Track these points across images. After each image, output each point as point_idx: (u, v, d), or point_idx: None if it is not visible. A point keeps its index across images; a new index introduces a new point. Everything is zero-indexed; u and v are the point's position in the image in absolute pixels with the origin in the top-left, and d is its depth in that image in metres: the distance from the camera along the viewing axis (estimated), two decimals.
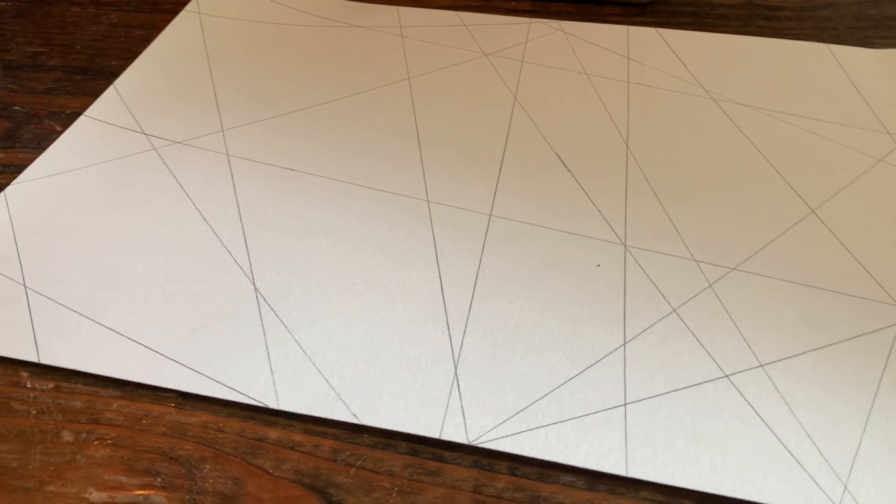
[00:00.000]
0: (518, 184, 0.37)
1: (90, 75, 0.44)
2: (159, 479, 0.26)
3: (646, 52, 0.46)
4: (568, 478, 0.26)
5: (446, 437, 0.27)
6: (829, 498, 0.25)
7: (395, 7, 0.51)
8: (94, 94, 0.42)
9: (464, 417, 0.28)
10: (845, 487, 0.26)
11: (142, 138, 0.40)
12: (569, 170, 0.38)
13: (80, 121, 0.41)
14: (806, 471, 0.26)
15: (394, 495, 0.26)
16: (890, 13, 0.50)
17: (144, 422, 0.28)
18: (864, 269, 0.33)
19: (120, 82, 0.43)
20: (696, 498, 0.26)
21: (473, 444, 0.27)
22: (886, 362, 0.30)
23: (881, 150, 0.39)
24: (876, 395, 0.29)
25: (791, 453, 0.27)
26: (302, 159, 0.38)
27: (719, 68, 0.45)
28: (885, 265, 0.33)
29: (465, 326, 0.31)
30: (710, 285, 0.33)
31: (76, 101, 0.42)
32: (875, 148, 0.40)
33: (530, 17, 0.50)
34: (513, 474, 0.26)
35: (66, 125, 0.40)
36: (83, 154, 0.39)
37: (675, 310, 0.32)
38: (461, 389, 0.28)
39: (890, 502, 0.25)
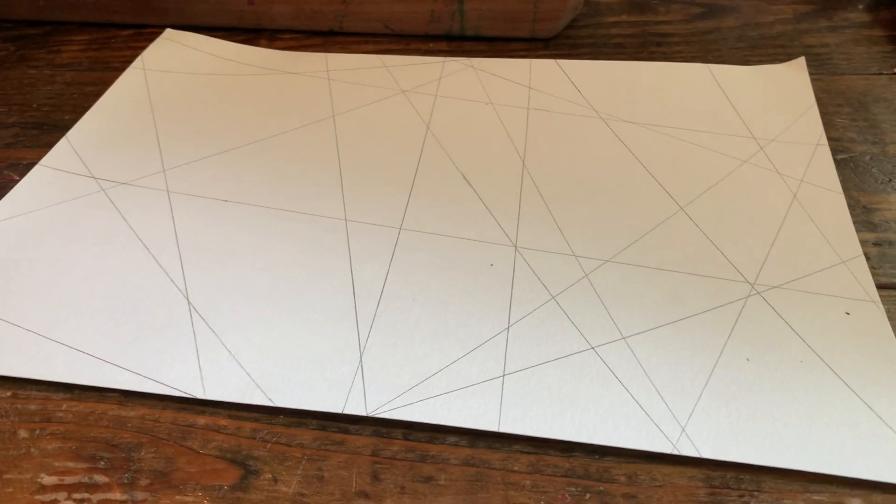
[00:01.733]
0: (426, 200, 0.43)
1: (45, 129, 0.49)
2: (102, 463, 0.31)
3: (545, 82, 0.52)
4: (453, 439, 0.31)
5: (348, 411, 0.32)
6: (669, 439, 0.30)
7: (323, 54, 0.56)
8: (49, 146, 0.47)
9: (364, 395, 0.32)
10: (683, 430, 0.31)
11: (91, 182, 0.45)
12: (471, 186, 0.44)
13: (36, 169, 0.46)
14: (652, 419, 0.31)
15: (303, 462, 0.30)
16: (767, 34, 0.57)
17: (90, 418, 0.32)
18: (722, 254, 0.39)
19: (71, 134, 0.48)
20: (560, 447, 0.30)
21: (371, 414, 0.31)
22: (732, 330, 0.35)
23: (747, 154, 0.45)
24: (719, 357, 0.34)
25: (641, 407, 0.31)
26: (234, 191, 0.43)
27: (609, 92, 0.51)
28: (741, 250, 0.38)
29: (372, 323, 0.36)
30: (586, 275, 0.38)
31: (32, 152, 0.47)
32: (741, 152, 0.45)
33: (446, 56, 0.56)
34: (406, 439, 0.31)
35: (23, 174, 0.45)
36: (38, 198, 0.44)
37: (553, 297, 0.37)
38: (364, 374, 0.33)
39: (718, 439, 0.30)
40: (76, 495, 0.29)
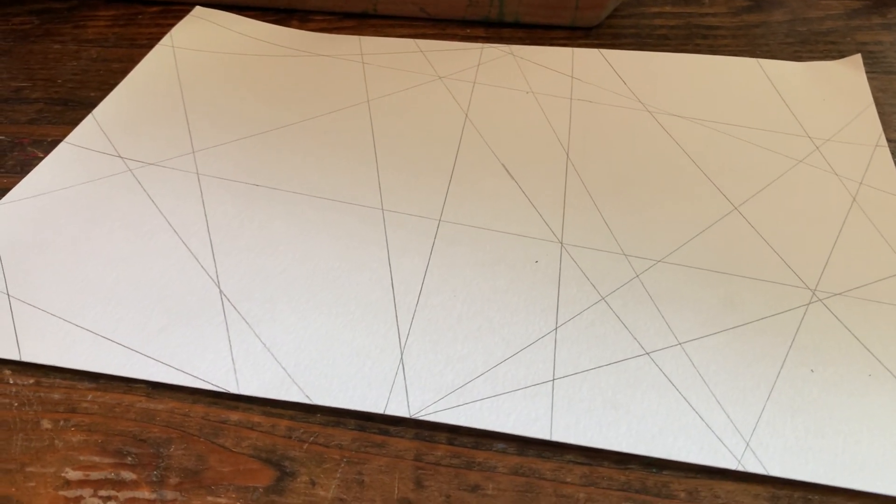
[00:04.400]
0: (466, 191, 0.41)
1: (70, 106, 0.48)
2: (129, 459, 0.29)
3: (588, 71, 0.50)
4: (500, 445, 0.29)
5: (390, 412, 0.30)
6: (733, 454, 0.28)
7: (357, 37, 0.54)
8: (74, 123, 0.45)
9: (407, 395, 0.31)
10: (747, 444, 0.29)
11: (118, 161, 0.43)
12: (513, 178, 0.42)
13: (61, 147, 0.44)
14: (713, 432, 0.29)
15: (342, 465, 0.29)
16: (817, 29, 0.54)
17: (117, 409, 0.31)
18: (780, 257, 0.37)
19: (98, 111, 0.47)
20: (614, 459, 0.29)
21: (414, 416, 0.30)
22: (794, 338, 0.33)
23: (802, 153, 0.43)
24: (781, 368, 0.32)
25: (701, 417, 0.30)
26: (267, 176, 0.42)
27: (656, 84, 0.48)
28: (800, 254, 0.36)
29: (412, 318, 0.34)
30: (638, 276, 0.36)
31: (57, 129, 0.45)
32: (796, 151, 0.43)
33: (483, 42, 0.54)
34: (451, 444, 0.29)
35: (47, 152, 0.43)
36: (63, 177, 0.42)
37: (603, 298, 0.35)
38: (406, 372, 0.31)
39: (785, 455, 0.28)
40: (102, 492, 0.28)
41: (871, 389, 0.31)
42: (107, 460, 0.29)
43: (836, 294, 0.35)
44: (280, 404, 0.31)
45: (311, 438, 0.29)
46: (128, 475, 0.28)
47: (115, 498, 0.28)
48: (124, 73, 0.50)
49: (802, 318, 0.34)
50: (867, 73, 0.49)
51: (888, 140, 0.44)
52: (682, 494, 0.28)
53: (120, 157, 0.44)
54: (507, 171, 0.42)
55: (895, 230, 0.38)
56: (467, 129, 0.45)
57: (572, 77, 0.50)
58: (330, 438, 0.29)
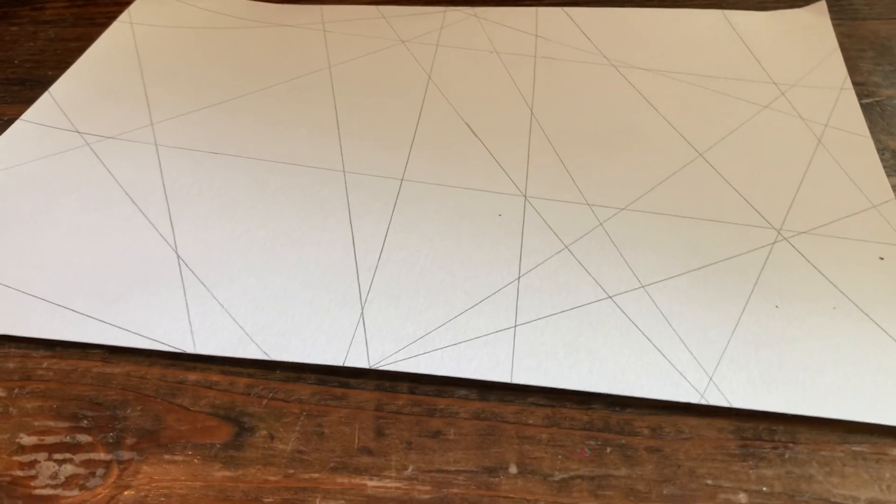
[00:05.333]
0: (429, 151, 0.40)
1: (28, 85, 0.47)
2: (85, 422, 0.28)
3: (553, 30, 0.49)
4: (462, 391, 0.29)
5: (350, 363, 0.29)
6: (696, 388, 0.28)
7: (318, 6, 0.53)
8: (31, 102, 0.45)
9: (367, 348, 0.30)
10: (710, 379, 0.28)
11: (75, 136, 0.42)
12: (476, 136, 0.41)
13: (17, 124, 0.43)
14: (676, 368, 0.29)
15: (302, 418, 0.28)
16: None
17: (73, 375, 0.30)
18: (745, 199, 0.36)
19: (55, 88, 0.46)
20: (577, 400, 0.28)
21: (374, 367, 0.29)
22: (759, 276, 0.33)
23: (767, 99, 0.43)
24: (746, 305, 0.31)
25: (664, 355, 0.29)
26: (226, 144, 0.41)
27: (620, 38, 0.48)
28: (765, 196, 0.36)
29: (374, 275, 0.33)
30: (601, 223, 0.35)
31: (13, 108, 0.45)
32: (762, 97, 0.43)
33: (447, 5, 0.53)
34: (412, 393, 0.29)
35: (2, 130, 0.42)
36: (19, 153, 0.41)
37: (566, 246, 0.34)
38: (366, 326, 0.31)
39: (748, 388, 0.28)
40: (57, 455, 0.27)
41: (835, 321, 0.30)
42: (62, 424, 0.28)
43: (801, 232, 0.34)
44: (238, 363, 0.30)
45: (271, 394, 0.29)
46: (83, 438, 0.28)
47: (71, 461, 0.27)
48: (82, 51, 0.50)
49: (768, 257, 0.33)
50: (833, 19, 0.49)
51: (854, 83, 0.43)
52: (646, 431, 0.27)
53: (77, 132, 0.43)
54: (471, 129, 0.42)
55: (859, 168, 0.37)
56: (430, 90, 0.45)
57: (536, 35, 0.49)
58: (290, 394, 0.29)
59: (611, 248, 0.34)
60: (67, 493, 0.26)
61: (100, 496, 0.26)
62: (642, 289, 0.32)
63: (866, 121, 0.40)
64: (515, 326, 0.31)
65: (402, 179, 0.38)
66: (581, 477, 0.26)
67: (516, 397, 0.28)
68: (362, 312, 0.31)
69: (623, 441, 0.27)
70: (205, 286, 0.33)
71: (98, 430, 0.28)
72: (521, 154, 0.40)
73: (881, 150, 0.38)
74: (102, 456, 0.27)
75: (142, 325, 0.32)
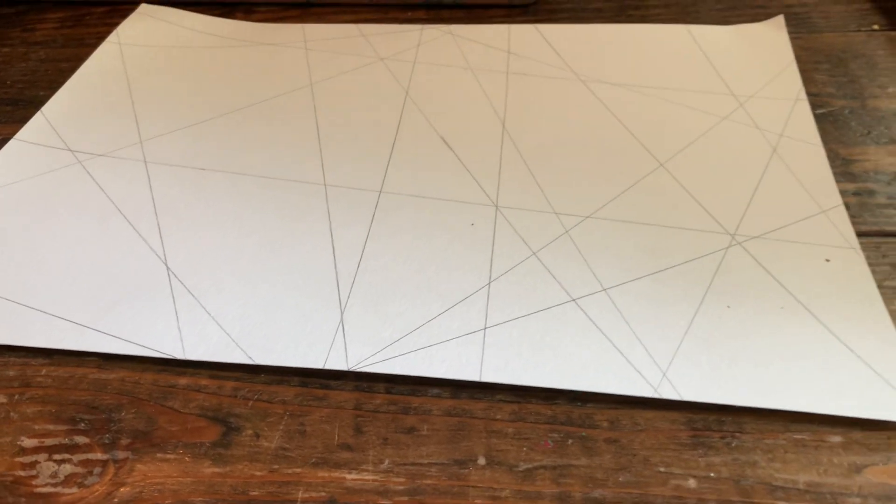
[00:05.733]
0: (406, 164, 0.42)
1: (20, 105, 0.49)
2: (83, 425, 0.30)
3: (524, 46, 0.52)
4: (435, 390, 0.31)
5: (330, 366, 0.32)
6: (650, 383, 0.30)
7: (300, 25, 0.56)
8: (24, 121, 0.47)
9: (346, 351, 0.32)
10: (664, 375, 0.31)
11: (67, 154, 0.44)
12: (451, 149, 0.43)
13: (10, 144, 0.45)
14: (633, 365, 0.31)
15: (285, 418, 0.30)
16: None
17: (70, 382, 0.32)
18: (703, 206, 0.39)
19: (47, 108, 0.48)
20: (542, 396, 0.30)
21: (353, 369, 0.31)
22: (713, 279, 0.35)
23: (726, 110, 0.45)
24: (700, 306, 0.34)
25: (622, 353, 0.31)
26: (212, 160, 0.43)
27: (588, 54, 0.50)
28: (721, 203, 0.38)
29: (353, 282, 0.36)
30: (567, 231, 0.38)
31: (7, 128, 0.47)
32: (721, 108, 0.45)
33: (424, 24, 0.55)
34: (388, 393, 0.31)
35: None
36: (14, 172, 0.43)
37: (534, 253, 0.36)
38: (346, 330, 0.33)
39: (699, 383, 0.30)
40: (56, 456, 0.29)
41: (783, 320, 0.33)
42: (61, 427, 0.30)
43: (754, 237, 0.37)
44: (226, 367, 0.32)
45: (256, 396, 0.31)
46: (81, 439, 0.30)
47: (70, 461, 0.29)
48: (73, 71, 0.52)
49: (722, 261, 0.36)
50: (791, 33, 0.52)
51: (808, 94, 0.46)
52: (605, 424, 0.29)
53: (69, 150, 0.45)
54: (446, 142, 0.44)
55: (811, 176, 0.40)
56: (408, 105, 0.47)
57: (509, 52, 0.51)
58: (273, 395, 0.31)
59: (575, 255, 0.36)
60: (66, 490, 0.28)
61: (97, 493, 0.28)
62: (604, 292, 0.34)
63: (819, 130, 0.43)
64: (485, 328, 0.33)
65: (380, 191, 0.41)
66: (544, 467, 0.28)
67: (485, 395, 0.31)
68: (342, 317, 0.34)
69: (584, 433, 0.29)
70: (193, 295, 0.35)
71: (95, 432, 0.30)
72: (493, 166, 0.42)
73: (832, 158, 0.41)
74: (99, 456, 0.29)
75: (134, 333, 0.34)
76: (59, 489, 0.28)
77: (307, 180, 0.42)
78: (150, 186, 0.42)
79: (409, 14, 0.57)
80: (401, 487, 0.28)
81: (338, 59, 0.51)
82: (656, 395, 0.30)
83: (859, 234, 0.36)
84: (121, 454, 0.29)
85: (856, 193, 0.39)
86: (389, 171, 0.42)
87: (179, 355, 0.32)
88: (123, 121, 0.47)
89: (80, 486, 0.28)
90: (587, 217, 0.38)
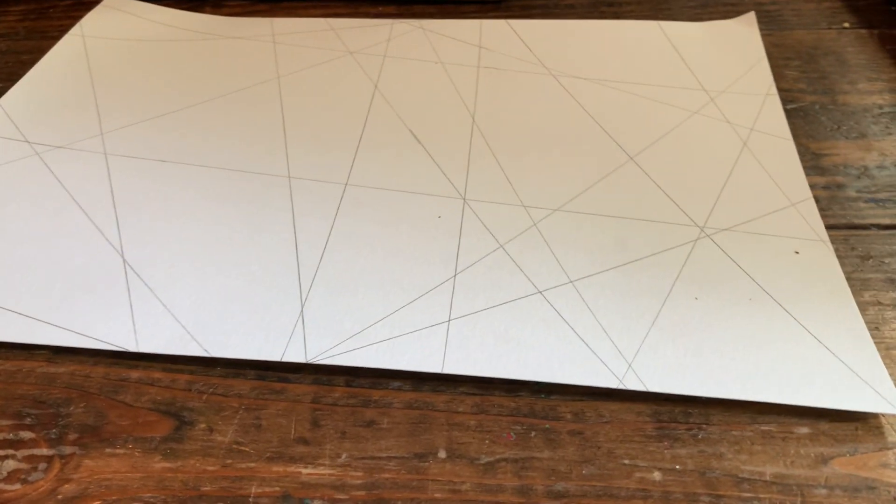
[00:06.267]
0: (373, 157, 0.41)
1: None
2: (28, 419, 0.29)
3: (496, 41, 0.51)
4: (396, 384, 0.30)
5: (287, 358, 0.31)
6: (615, 374, 0.30)
7: (269, 19, 0.55)
8: None
9: (304, 343, 0.31)
10: (630, 366, 0.30)
11: (24, 146, 0.43)
12: (420, 142, 0.43)
13: None
14: (598, 357, 0.30)
15: (241, 412, 0.29)
16: None
17: (17, 376, 0.31)
18: (672, 199, 0.38)
19: (5, 100, 0.47)
20: (505, 388, 0.30)
21: (311, 361, 0.30)
22: (680, 271, 0.34)
23: (697, 105, 0.45)
24: (667, 298, 0.33)
25: (587, 345, 0.31)
26: (174, 153, 0.42)
27: (560, 50, 0.50)
28: (691, 196, 0.38)
29: (315, 274, 0.35)
30: (535, 224, 0.37)
31: None
32: (692, 103, 0.45)
33: (395, 18, 0.55)
34: (348, 386, 0.30)
35: None
36: None
37: (501, 245, 0.36)
38: (305, 322, 0.32)
39: (665, 374, 0.30)
40: (0, 452, 0.28)
41: (751, 311, 0.32)
42: (5, 422, 0.29)
43: (723, 230, 0.36)
44: (180, 360, 0.31)
45: (211, 390, 0.30)
46: (26, 434, 0.29)
47: (13, 456, 0.28)
48: (34, 63, 0.50)
49: (690, 253, 0.35)
50: (763, 30, 0.51)
51: (779, 90, 0.46)
52: (569, 416, 0.29)
53: (27, 141, 0.44)
54: (415, 136, 0.43)
55: (781, 169, 0.39)
56: (376, 99, 0.46)
57: (480, 47, 0.51)
58: (229, 389, 0.30)
59: (543, 247, 0.35)
60: (9, 487, 0.27)
61: (41, 489, 0.27)
62: (570, 284, 0.34)
63: (790, 125, 0.43)
64: (449, 321, 0.32)
65: (346, 184, 0.40)
66: (506, 460, 0.27)
67: (447, 387, 0.30)
68: (302, 309, 0.33)
69: (547, 426, 0.28)
70: (149, 287, 0.34)
71: (41, 427, 0.29)
72: (462, 159, 0.41)
73: (802, 153, 0.41)
74: (44, 451, 0.28)
75: (86, 325, 0.32)
76: (1, 485, 0.27)
77: (271, 172, 0.41)
78: (110, 178, 0.41)
79: (380, 9, 0.56)
80: (358, 481, 0.27)
81: (306, 53, 0.50)
82: (621, 387, 0.29)
83: (828, 227, 0.36)
84: (67, 449, 0.28)
85: (825, 187, 0.39)
86: (356, 163, 0.41)
87: (132, 348, 0.31)
88: (84, 113, 0.46)
89: (24, 482, 0.27)
90: (556, 210, 0.37)
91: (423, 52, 0.50)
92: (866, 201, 0.38)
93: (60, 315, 0.33)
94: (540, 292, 0.33)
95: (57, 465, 0.28)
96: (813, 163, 0.40)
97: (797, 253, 0.35)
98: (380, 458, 0.27)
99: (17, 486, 0.27)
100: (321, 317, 0.32)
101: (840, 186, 0.39)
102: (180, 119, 0.44)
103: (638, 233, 0.36)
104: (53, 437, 0.28)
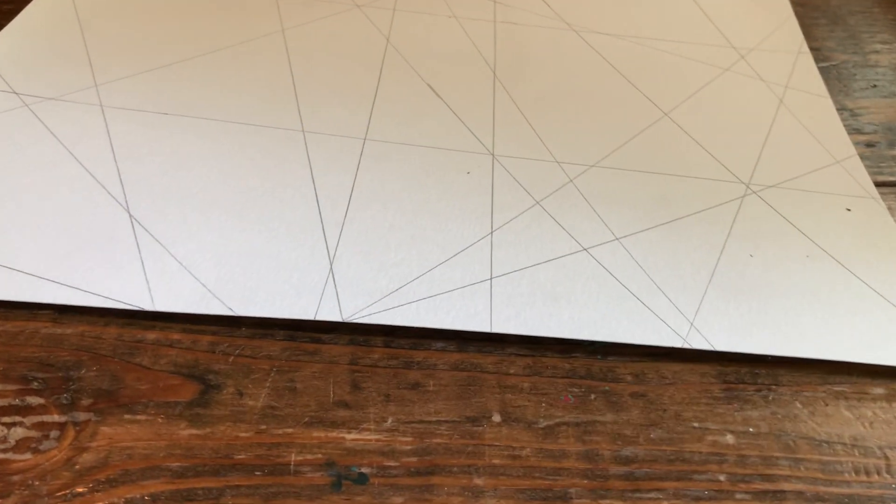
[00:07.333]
0: (391, 111, 0.39)
1: None
2: (35, 384, 0.26)
3: None
4: (440, 344, 0.28)
5: (321, 317, 0.28)
6: (678, 333, 0.27)
7: None
8: None
9: (338, 301, 0.29)
10: (692, 324, 0.28)
11: (13, 97, 0.40)
12: (440, 96, 0.40)
13: None
14: (657, 315, 0.28)
15: (272, 375, 0.27)
16: None
17: (20, 338, 0.28)
18: (713, 156, 0.36)
19: None
20: (558, 349, 0.27)
21: (348, 320, 0.28)
22: (731, 228, 0.32)
23: (727, 62, 0.43)
24: (721, 255, 0.31)
25: (643, 303, 0.29)
26: (176, 105, 0.39)
27: (580, 3, 0.48)
28: (732, 152, 0.36)
29: (341, 231, 0.32)
30: (571, 180, 0.35)
31: None
32: (722, 60, 0.43)
33: None
34: (388, 346, 0.28)
35: None
36: None
37: (538, 202, 0.33)
38: (336, 280, 0.30)
39: (730, 332, 0.28)
40: (6, 419, 0.25)
41: (810, 269, 0.30)
42: (9, 387, 0.26)
43: (769, 186, 0.34)
44: (201, 321, 0.28)
45: (237, 352, 0.27)
46: (34, 400, 0.26)
47: (21, 423, 0.25)
48: (16, 14, 0.47)
49: (738, 209, 0.33)
50: None
51: (810, 48, 0.44)
52: (629, 378, 0.27)
53: (15, 93, 0.40)
54: (434, 90, 0.40)
55: (821, 127, 0.38)
56: (389, 53, 0.44)
57: (495, 1, 0.48)
58: (257, 350, 0.27)
59: (583, 204, 0.33)
60: (18, 457, 0.24)
61: (55, 459, 0.24)
62: (616, 241, 0.31)
63: (824, 83, 0.41)
64: (491, 279, 0.30)
65: (364, 139, 0.37)
66: (566, 423, 0.25)
67: (495, 348, 0.27)
68: (331, 267, 0.30)
69: (607, 388, 0.26)
70: (161, 244, 0.31)
71: (50, 392, 0.26)
72: (487, 115, 0.39)
73: (840, 110, 0.39)
74: (56, 418, 0.25)
75: (94, 282, 0.30)
76: (9, 455, 0.24)
77: (282, 126, 0.38)
78: (108, 131, 0.37)
79: None
80: (408, 447, 0.24)
81: (310, 5, 0.47)
82: (686, 345, 0.27)
83: (877, 185, 0.34)
84: (81, 416, 0.25)
85: (868, 145, 0.37)
86: (374, 117, 0.38)
87: (148, 307, 0.28)
88: (75, 64, 0.42)
89: (35, 451, 0.24)
90: (592, 166, 0.35)
91: (435, 5, 0.48)
92: None
93: (65, 272, 0.30)
94: (585, 249, 0.31)
95: (71, 432, 0.25)
96: (852, 121, 0.39)
97: (849, 210, 0.33)
98: (429, 422, 0.25)
99: (28, 455, 0.24)
100: (353, 275, 0.30)
101: (882, 144, 0.37)
102: (181, 71, 0.41)
103: (680, 189, 0.34)
104: (65, 402, 0.26)
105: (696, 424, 0.25)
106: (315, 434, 0.25)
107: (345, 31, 0.45)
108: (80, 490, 0.23)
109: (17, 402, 0.26)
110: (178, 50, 0.43)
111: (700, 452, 0.24)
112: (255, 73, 0.41)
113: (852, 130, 0.38)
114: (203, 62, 0.42)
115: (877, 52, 0.44)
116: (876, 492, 0.24)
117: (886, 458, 0.24)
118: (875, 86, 0.41)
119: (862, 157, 0.36)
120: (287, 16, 0.46)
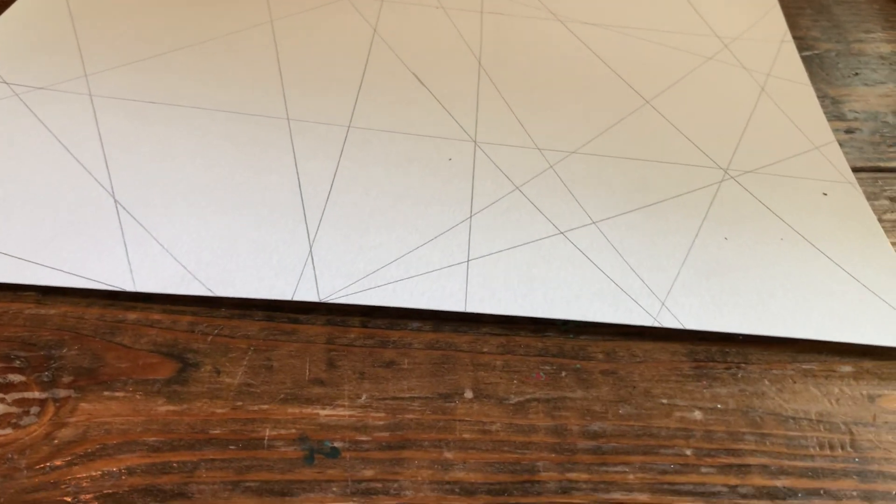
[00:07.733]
0: (376, 100, 0.39)
1: None
2: (18, 362, 0.27)
3: None
4: (415, 324, 0.28)
5: (299, 297, 0.28)
6: (648, 312, 0.28)
7: None
8: None
9: (316, 282, 0.29)
10: (663, 304, 0.28)
11: (3, 87, 0.40)
12: (424, 85, 0.40)
13: None
14: (629, 295, 0.29)
15: (249, 353, 0.27)
16: None
17: (3, 318, 0.28)
18: (692, 142, 0.36)
19: None
20: (531, 329, 0.28)
21: (325, 300, 0.28)
22: (707, 211, 0.33)
23: (711, 51, 0.43)
24: (696, 238, 0.31)
25: (616, 283, 0.29)
26: (164, 94, 0.39)
27: None
28: (712, 139, 0.36)
29: (322, 215, 0.32)
30: (552, 166, 0.35)
31: None
32: (705, 49, 0.43)
33: None
34: (364, 327, 0.28)
35: None
36: None
37: (518, 188, 0.34)
38: (315, 262, 0.30)
39: (700, 311, 0.28)
40: None
41: (783, 251, 0.31)
42: None
43: (747, 172, 0.35)
44: (181, 301, 0.29)
45: (216, 331, 0.28)
46: (16, 377, 0.26)
47: (2, 400, 0.26)
48: (7, 5, 0.47)
49: (715, 194, 0.34)
50: None
51: (793, 37, 0.44)
52: (600, 355, 0.27)
53: (5, 82, 0.41)
54: (419, 79, 0.41)
55: (802, 114, 0.38)
56: (376, 43, 0.44)
57: None
58: (235, 330, 0.28)
59: (561, 189, 0.34)
60: None
61: (34, 434, 0.25)
62: (593, 224, 0.32)
63: (807, 71, 0.41)
64: (468, 261, 0.30)
65: (348, 126, 0.38)
66: (537, 399, 0.26)
67: (470, 328, 0.28)
68: (311, 250, 0.31)
69: (578, 365, 0.27)
70: (144, 227, 0.32)
71: (32, 370, 0.26)
72: (470, 102, 0.39)
73: (822, 98, 0.39)
74: (36, 394, 0.26)
75: (77, 264, 0.30)
76: None
77: (267, 114, 0.38)
78: (96, 119, 0.38)
79: None
80: (381, 422, 0.25)
81: None
82: (656, 324, 0.27)
83: (855, 170, 0.35)
84: (62, 392, 0.26)
85: (848, 131, 0.37)
86: (358, 105, 0.39)
87: (129, 287, 0.29)
88: (65, 55, 0.43)
89: (15, 426, 0.25)
90: (572, 152, 0.36)
91: None
92: (890, 145, 0.36)
93: (49, 255, 0.30)
94: (562, 233, 0.31)
95: (51, 408, 0.25)
96: (833, 108, 0.39)
97: (825, 195, 0.33)
98: (402, 398, 0.26)
99: (8, 430, 0.25)
100: (332, 257, 0.30)
101: (862, 131, 0.37)
102: (169, 61, 0.42)
103: (659, 175, 0.34)
104: (46, 379, 0.26)
105: (664, 401, 0.26)
106: (290, 410, 0.25)
107: (332, 21, 0.46)
108: (58, 463, 0.24)
109: None
110: (168, 41, 0.44)
111: (667, 428, 0.25)
112: (243, 62, 0.42)
113: (833, 117, 0.38)
114: (192, 52, 0.43)
115: (860, 41, 0.44)
116: (839, 465, 0.24)
117: (851, 433, 0.25)
118: (857, 74, 0.41)
119: (842, 144, 0.36)
120: (276, 6, 0.47)
